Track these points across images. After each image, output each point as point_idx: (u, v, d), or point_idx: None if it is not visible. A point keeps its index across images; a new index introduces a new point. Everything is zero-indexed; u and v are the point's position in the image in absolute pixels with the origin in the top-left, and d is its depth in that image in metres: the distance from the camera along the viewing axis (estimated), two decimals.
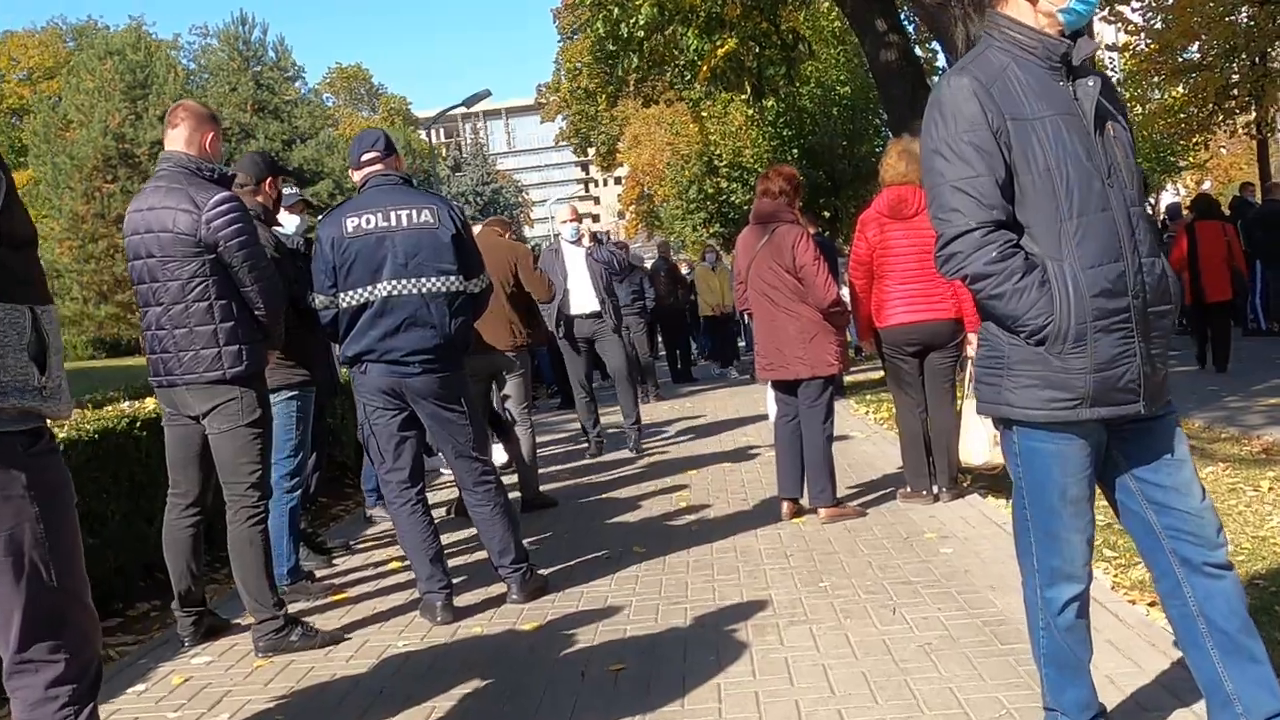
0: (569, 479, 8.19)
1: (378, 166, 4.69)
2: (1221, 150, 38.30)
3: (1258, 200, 15.90)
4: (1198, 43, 20.76)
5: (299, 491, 5.30)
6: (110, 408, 6.33)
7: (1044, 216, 2.44)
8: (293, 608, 5.07)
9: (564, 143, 56.76)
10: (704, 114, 25.56)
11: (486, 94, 22.63)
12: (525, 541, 5.90)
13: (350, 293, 4.56)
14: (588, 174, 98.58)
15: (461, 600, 4.95)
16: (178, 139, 4.46)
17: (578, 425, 9.47)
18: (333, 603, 5.20)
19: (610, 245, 9.50)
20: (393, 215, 4.55)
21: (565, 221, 9.11)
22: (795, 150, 21.42)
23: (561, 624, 4.55)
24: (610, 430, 9.74)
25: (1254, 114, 21.82)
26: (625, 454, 9.06)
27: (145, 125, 38.52)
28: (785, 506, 6.10)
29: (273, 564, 4.54)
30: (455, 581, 5.09)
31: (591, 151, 50.57)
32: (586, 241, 9.10)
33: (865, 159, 22.04)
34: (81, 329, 36.25)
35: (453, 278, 4.60)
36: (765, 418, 10.55)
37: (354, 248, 4.53)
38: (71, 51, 54.84)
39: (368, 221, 4.54)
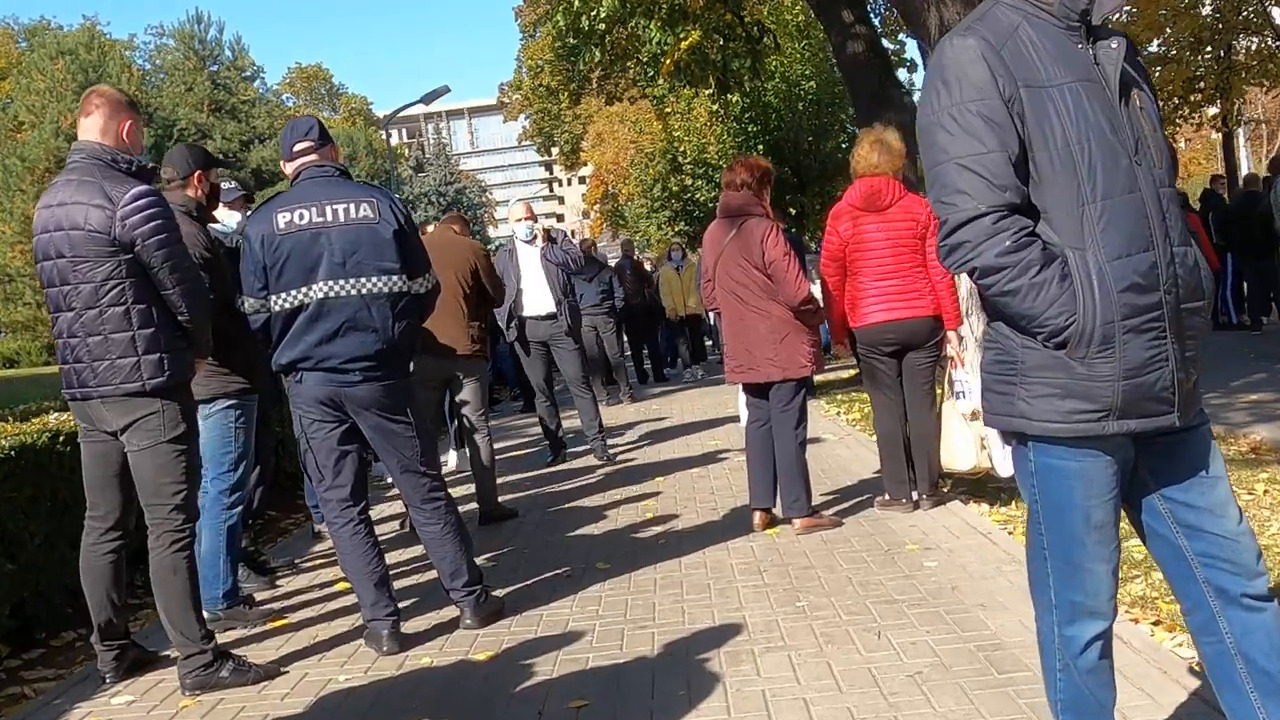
0: (530, 488, 7.82)
1: (312, 157, 4.30)
2: (1181, 144, 38.39)
3: (1226, 194, 15.75)
4: (1163, 35, 20.64)
5: (239, 508, 4.89)
6: (37, 420, 5.91)
7: (1064, 199, 2.09)
8: (228, 636, 4.70)
9: (527, 142, 56.26)
10: (667, 110, 25.23)
11: (445, 90, 22.19)
12: (482, 557, 5.57)
13: (283, 295, 4.17)
14: (552, 173, 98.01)
15: (411, 625, 4.58)
16: (91, 128, 4.06)
17: (540, 430, 9.09)
18: (271, 630, 4.80)
19: (565, 244, 9.05)
20: (328, 210, 4.16)
21: (519, 220, 8.64)
22: (760, 146, 21.06)
23: (519, 652, 4.18)
24: (573, 434, 9.36)
25: (1219, 107, 21.73)
26: (590, 460, 8.70)
27: None
28: (758, 517, 5.76)
29: (199, 592, 4.14)
30: (404, 605, 4.73)
31: (555, 151, 50.11)
32: (540, 241, 8.66)
33: (831, 155, 21.81)
34: (35, 334, 35.53)
35: (395, 277, 4.22)
36: (736, 420, 10.24)
37: (286, 246, 4.14)
38: (23, 52, 53.76)
39: (301, 217, 4.15)
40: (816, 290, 5.90)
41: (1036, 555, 2.31)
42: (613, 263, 16.29)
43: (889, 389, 5.93)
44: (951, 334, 5.86)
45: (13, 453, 4.88)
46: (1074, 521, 2.21)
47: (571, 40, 16.22)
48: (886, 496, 5.98)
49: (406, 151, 77.10)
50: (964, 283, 6.08)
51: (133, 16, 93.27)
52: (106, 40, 50.46)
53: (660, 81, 20.17)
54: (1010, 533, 5.26)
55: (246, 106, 46.99)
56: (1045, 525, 2.25)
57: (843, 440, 8.54)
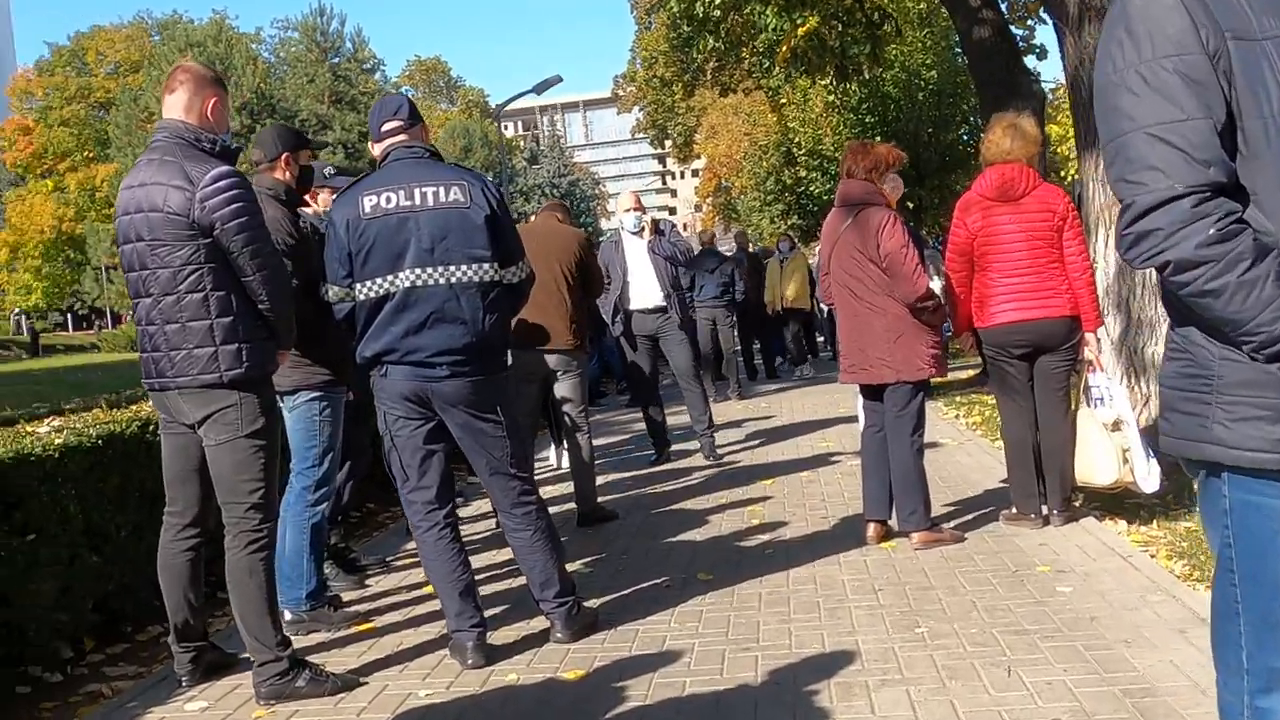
0: (632, 488, 7.52)
1: (401, 138, 4.04)
2: None
3: None
4: None
5: (325, 505, 4.68)
6: (130, 408, 5.81)
7: (1278, 180, 1.68)
8: (311, 639, 4.50)
9: (641, 134, 56.08)
10: (783, 101, 24.67)
11: (557, 80, 22.02)
12: (578, 563, 5.29)
13: (367, 283, 3.92)
14: (664, 166, 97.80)
15: (499, 635, 4.32)
16: (175, 105, 3.86)
17: (645, 426, 8.79)
18: (356, 634, 4.58)
19: (673, 236, 8.72)
20: (417, 193, 3.90)
21: (627, 210, 8.33)
22: (878, 137, 20.38)
23: (611, 672, 3.88)
24: (679, 430, 9.02)
25: None
26: (695, 460, 8.36)
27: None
28: (871, 529, 5.37)
29: (276, 596, 3.93)
30: (492, 613, 4.49)
31: (668, 143, 49.86)
32: (648, 234, 8.33)
33: (951, 147, 21.08)
34: None
35: (486, 266, 3.94)
36: (848, 421, 9.82)
37: (372, 231, 3.89)
38: (156, 45, 55.51)
39: (388, 200, 3.89)
40: (936, 286, 5.47)
41: (1226, 610, 1.89)
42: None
43: (1019, 394, 5.47)
44: (1090, 336, 5.37)
45: (100, 441, 4.74)
46: (1277, 571, 1.79)
47: (686, 28, 15.91)
48: (1013, 510, 5.52)
49: (521, 144, 77.71)
50: (1101, 280, 5.58)
51: (260, 11, 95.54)
52: (234, 34, 51.77)
53: (775, 71, 19.70)
54: (1153, 556, 4.78)
55: (366, 98, 47.65)
56: (1240, 575, 1.84)
57: (963, 446, 8.06)
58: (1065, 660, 3.60)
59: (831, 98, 21.17)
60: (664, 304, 8.17)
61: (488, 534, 6.28)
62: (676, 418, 9.12)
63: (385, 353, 3.93)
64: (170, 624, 4.05)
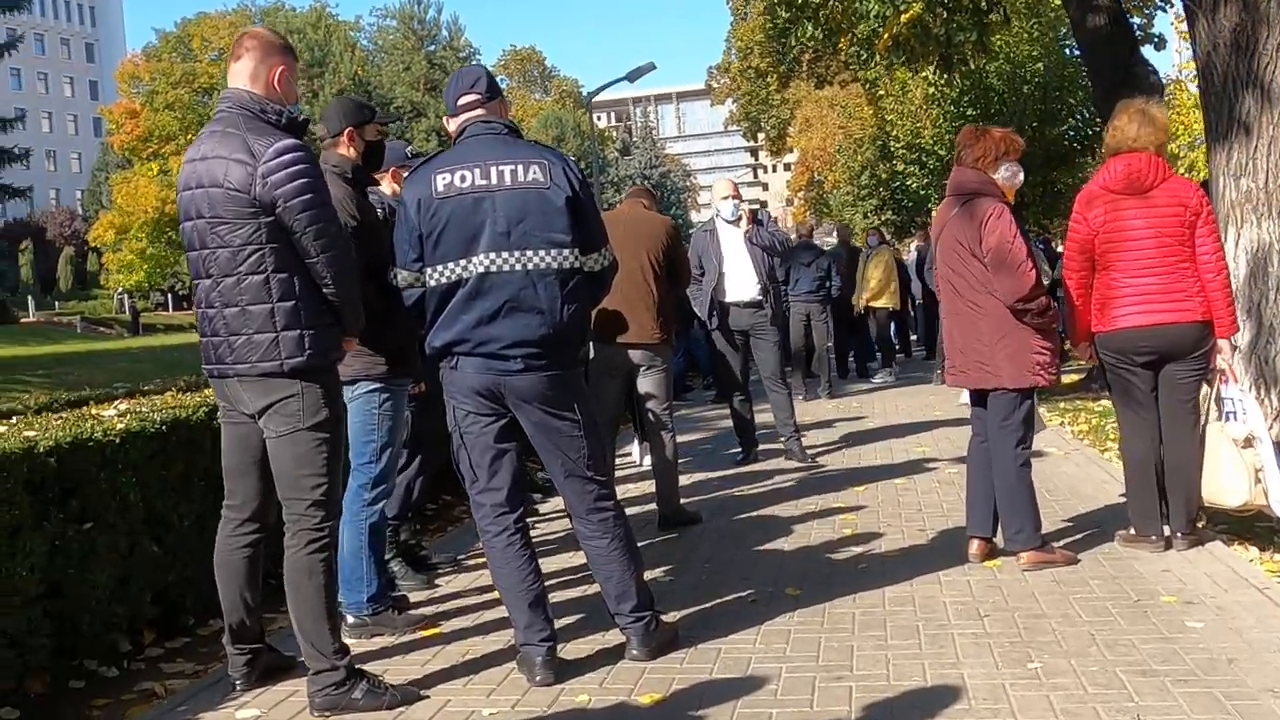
0: (716, 489, 7.19)
1: (478, 112, 3.76)
2: None
3: None
4: None
5: (383, 503, 4.44)
6: (199, 393, 5.64)
7: None
8: (374, 643, 4.26)
9: (734, 127, 55.61)
10: (880, 93, 24.01)
11: (651, 67, 21.69)
12: (658, 570, 5.02)
13: (439, 268, 3.65)
14: (756, 159, 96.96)
15: (570, 649, 4.04)
16: (241, 73, 3.63)
17: (731, 424, 8.45)
18: (421, 639, 4.33)
19: (771, 227, 8.35)
20: (493, 172, 3.61)
21: (724, 198, 7.95)
22: None
23: (689, 698, 3.56)
24: (766, 429, 8.66)
25: None
26: (782, 462, 8.00)
27: (321, 102, 39.20)
28: (975, 545, 4.97)
29: (336, 601, 3.68)
30: (565, 623, 4.23)
31: (761, 136, 49.35)
32: (745, 223, 7.95)
33: (1056, 142, 20.24)
34: None
35: (566, 251, 3.64)
36: (945, 424, 9.38)
37: (445, 212, 3.62)
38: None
39: (462, 179, 3.61)
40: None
41: None
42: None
43: (1142, 406, 5.03)
44: (1223, 343, 4.91)
45: (164, 427, 4.56)
46: None
47: (784, 15, 15.45)
48: (1132, 531, 5.08)
49: (614, 134, 77.66)
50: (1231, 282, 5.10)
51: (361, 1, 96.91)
52: (333, 21, 52.46)
53: (875, 62, 19.14)
54: None
55: None
56: None
57: (1069, 456, 7.58)
58: (1203, 710, 3.19)
59: (932, 89, 20.46)
60: (760, 297, 7.82)
61: (564, 534, 6.00)
62: (764, 415, 8.75)
63: (456, 343, 3.66)
64: (225, 624, 3.83)
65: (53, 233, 69.70)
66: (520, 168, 3.61)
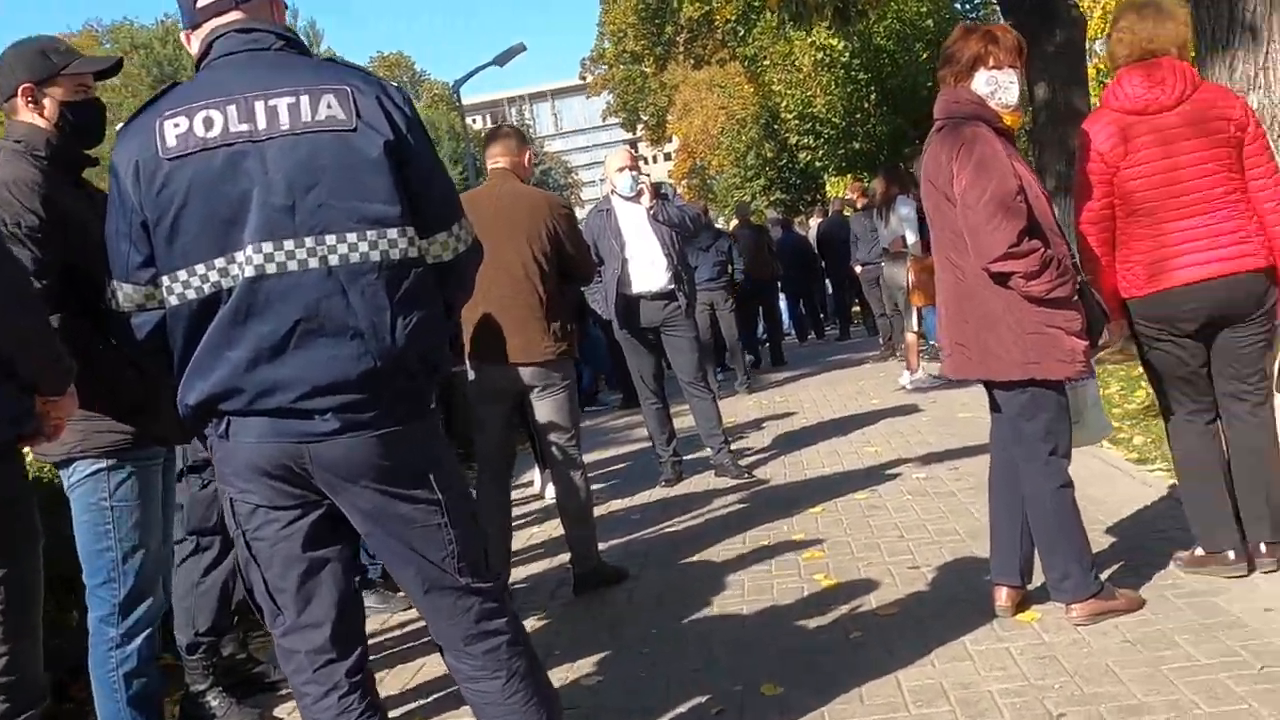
0: (640, 526, 5.82)
1: (231, 17, 2.31)
2: None
3: None
4: None
5: (144, 635, 2.95)
6: None
7: None
8: None
9: (611, 118, 54.29)
10: (765, 64, 22.87)
11: (521, 48, 20.11)
12: (580, 668, 3.63)
13: (181, 275, 2.20)
14: (637, 150, 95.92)
15: None
16: None
17: (645, 433, 7.12)
18: None
19: (678, 201, 7.00)
20: (260, 109, 2.17)
21: (621, 170, 6.53)
22: (874, 95, 18.77)
23: None
24: (687, 435, 7.30)
25: None
26: (715, 480, 6.68)
27: None
28: (1002, 595, 3.69)
29: None
30: None
31: (640, 127, 48.21)
32: (647, 199, 6.58)
33: None
34: None
35: (392, 232, 2.22)
36: (892, 414, 8.15)
37: (181, 180, 2.17)
38: (107, 52, 53.62)
39: (207, 124, 2.16)
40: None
41: None
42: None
43: (1194, 387, 3.82)
44: None
45: None
46: None
47: None
48: (1199, 551, 3.86)
49: None
50: None
51: None
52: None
53: (761, 28, 17.98)
54: None
55: None
56: None
57: (1087, 463, 6.33)
58: None
59: (820, 54, 19.43)
60: (672, 286, 6.48)
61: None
62: (682, 418, 7.39)
63: (224, 395, 2.22)
64: None
65: None
66: (305, 100, 2.18)
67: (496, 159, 4.77)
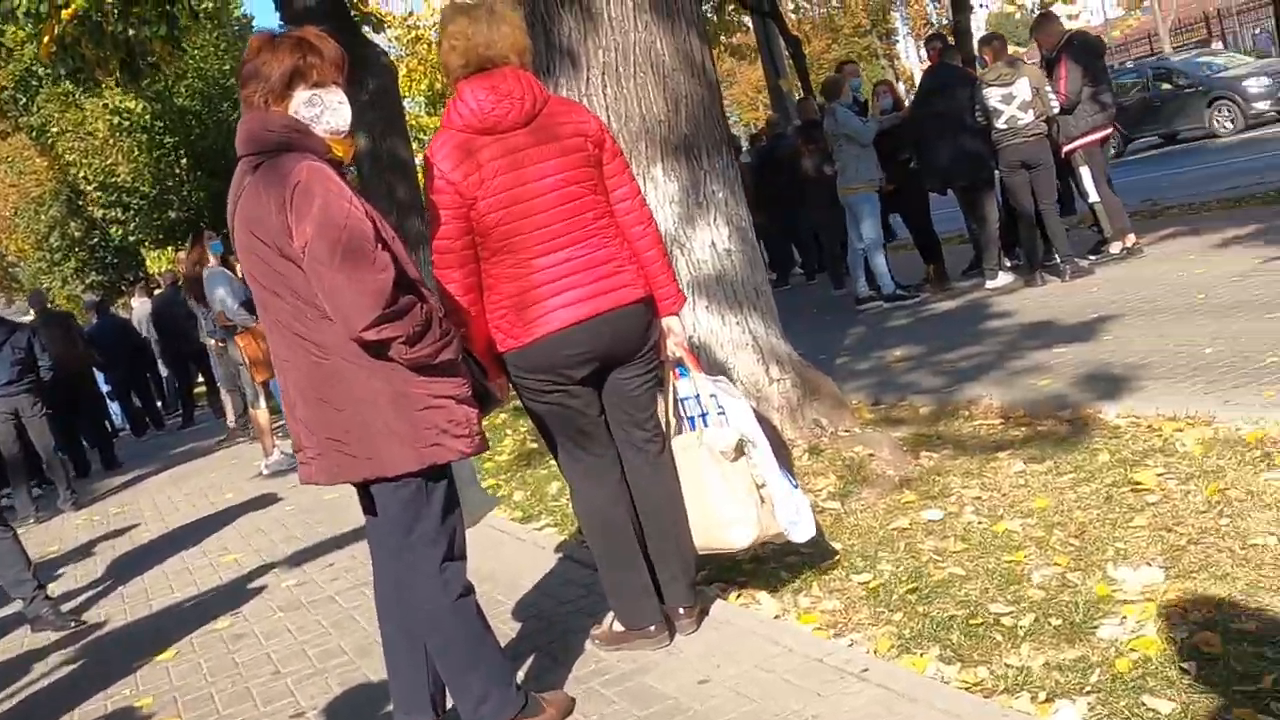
0: None
1: None
2: None
3: None
4: None
5: None
6: None
7: None
8: None
9: None
10: (55, 131, 20.29)
11: None
12: None
13: None
14: None
15: None
16: None
17: None
18: None
19: None
20: None
21: None
22: (185, 159, 17.25)
23: None
24: None
25: None
26: (27, 638, 5.21)
27: None
28: None
29: None
30: None
31: None
32: None
33: None
34: None
35: None
36: (245, 510, 7.10)
37: None
38: None
39: None
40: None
41: None
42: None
43: (593, 439, 3.35)
44: (673, 321, 3.42)
45: None
46: None
47: None
48: (617, 626, 3.40)
49: None
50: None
51: None
52: None
53: (36, 105, 15.79)
54: (872, 649, 2.92)
55: None
56: None
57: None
58: None
59: (115, 118, 17.54)
60: None
61: None
62: None
63: None
64: None
65: None
66: None
67: None
